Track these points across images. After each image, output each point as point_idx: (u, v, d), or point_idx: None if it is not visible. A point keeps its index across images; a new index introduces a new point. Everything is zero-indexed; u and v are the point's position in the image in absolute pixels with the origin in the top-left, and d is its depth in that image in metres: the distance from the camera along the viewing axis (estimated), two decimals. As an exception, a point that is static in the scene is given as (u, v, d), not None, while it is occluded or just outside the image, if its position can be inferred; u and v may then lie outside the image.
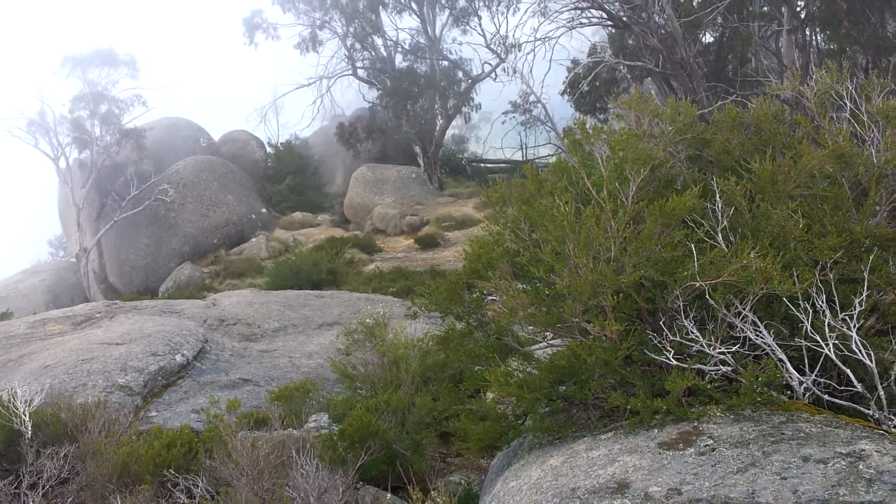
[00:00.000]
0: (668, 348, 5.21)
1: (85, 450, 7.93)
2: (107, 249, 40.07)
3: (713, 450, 4.60)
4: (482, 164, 48.21)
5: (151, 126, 41.89)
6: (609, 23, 24.57)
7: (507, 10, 39.62)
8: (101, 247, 40.07)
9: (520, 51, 33.92)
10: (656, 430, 5.11)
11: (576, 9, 23.37)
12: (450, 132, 46.03)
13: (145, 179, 38.49)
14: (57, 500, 7.57)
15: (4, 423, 8.13)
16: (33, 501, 7.25)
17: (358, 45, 43.51)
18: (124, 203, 37.80)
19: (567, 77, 28.90)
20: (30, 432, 8.13)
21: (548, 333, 6.51)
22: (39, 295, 37.59)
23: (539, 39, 25.03)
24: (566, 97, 29.69)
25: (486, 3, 41.54)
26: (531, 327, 6.51)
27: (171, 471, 7.32)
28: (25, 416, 8.19)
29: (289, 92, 48.09)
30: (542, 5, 25.93)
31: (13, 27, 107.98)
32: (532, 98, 43.76)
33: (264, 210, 41.20)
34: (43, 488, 7.49)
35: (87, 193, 39.27)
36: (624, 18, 23.75)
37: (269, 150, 49.08)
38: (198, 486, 7.05)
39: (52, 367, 11.85)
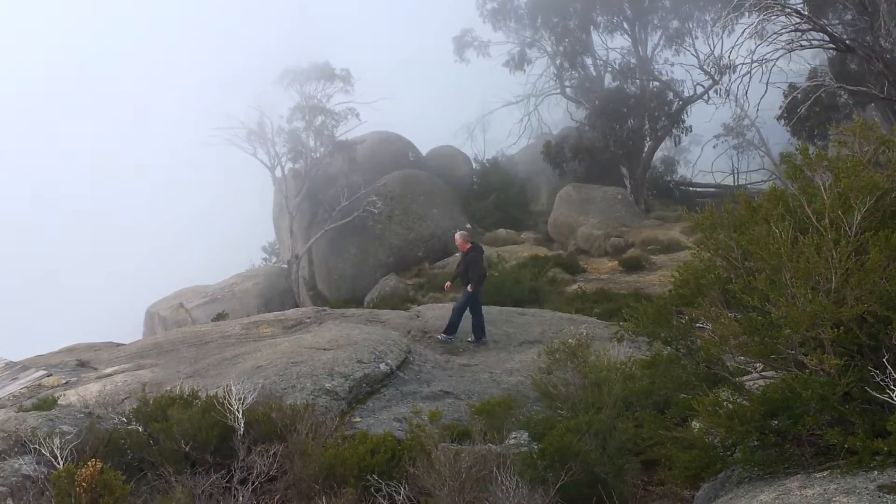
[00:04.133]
0: (892, 387, 4.95)
1: (293, 449, 8.20)
2: (316, 257, 41.57)
3: (939, 498, 4.35)
4: (691, 188, 47.10)
5: (363, 139, 43.16)
6: (831, 46, 23.51)
7: (723, 31, 38.40)
8: (311, 254, 41.60)
9: (734, 73, 32.91)
10: (876, 472, 4.86)
11: (796, 31, 22.52)
12: (658, 154, 45.15)
13: (355, 191, 39.71)
14: (265, 497, 7.85)
15: (219, 420, 8.53)
16: (243, 496, 7.52)
17: (567, 64, 43.49)
18: (334, 213, 39.14)
19: (784, 101, 27.88)
20: (242, 429, 8.49)
21: (759, 364, 6.30)
22: (252, 298, 39.31)
23: (755, 61, 24.26)
24: (782, 122, 28.70)
25: (700, 24, 40.60)
26: (741, 357, 6.33)
27: (375, 476, 7.49)
28: (239, 413, 8.57)
29: (496, 109, 48.70)
30: (759, 27, 25.12)
31: (236, 39, 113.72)
32: (746, 122, 42.61)
33: (468, 225, 41.63)
34: (252, 484, 7.79)
35: (300, 202, 40.91)
36: (847, 41, 22.67)
37: (475, 166, 49.69)
38: (399, 494, 7.18)
39: (264, 368, 12.39)
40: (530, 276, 26.32)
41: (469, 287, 15.69)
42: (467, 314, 15.79)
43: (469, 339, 15.81)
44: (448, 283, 16.78)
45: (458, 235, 16.56)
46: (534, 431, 8.91)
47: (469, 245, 16.21)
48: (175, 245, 73.63)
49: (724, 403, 5.97)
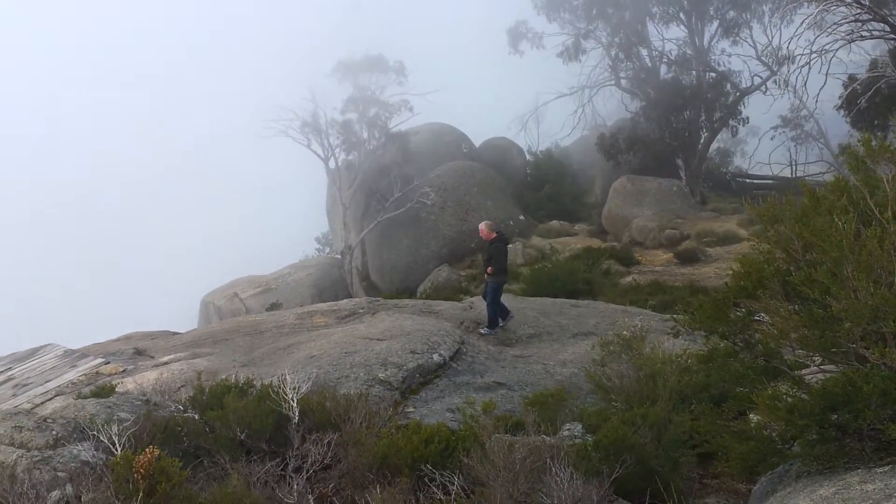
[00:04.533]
0: (956, 381, 4.85)
1: (347, 439, 8.23)
2: (369, 248, 41.75)
3: None
4: (747, 180, 46.53)
5: (416, 131, 43.29)
6: (892, 36, 23.13)
7: (781, 22, 37.85)
8: (364, 245, 41.80)
9: (793, 63, 32.45)
10: (938, 468, 4.77)
11: (856, 21, 22.17)
12: (714, 146, 44.68)
13: (408, 182, 39.83)
14: (319, 485, 7.86)
15: (274, 408, 8.60)
16: (297, 484, 7.54)
17: (622, 56, 43.14)
18: (388, 204, 39.31)
19: (844, 92, 27.42)
20: (297, 418, 8.54)
21: (818, 358, 6.21)
22: (306, 288, 39.60)
23: (814, 52, 23.95)
24: (842, 113, 28.22)
25: (758, 15, 40.03)
26: (801, 350, 6.24)
27: (429, 466, 7.51)
28: (293, 402, 8.63)
29: (550, 101, 48.44)
30: (818, 17, 24.72)
31: (291, 30, 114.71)
32: (804, 113, 41.93)
33: (521, 217, 41.61)
34: (307, 472, 7.81)
35: (353, 194, 41.12)
36: (909, 32, 22.28)
37: (528, 157, 49.52)
38: (454, 484, 7.19)
39: (318, 358, 12.48)
40: (584, 268, 26.20)
41: (488, 276, 15.81)
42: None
43: (481, 331, 15.84)
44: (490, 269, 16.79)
45: (482, 225, 16.59)
46: (588, 423, 8.87)
47: (494, 235, 16.22)
48: (230, 235, 74.47)
49: (784, 397, 5.89)
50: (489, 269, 15.86)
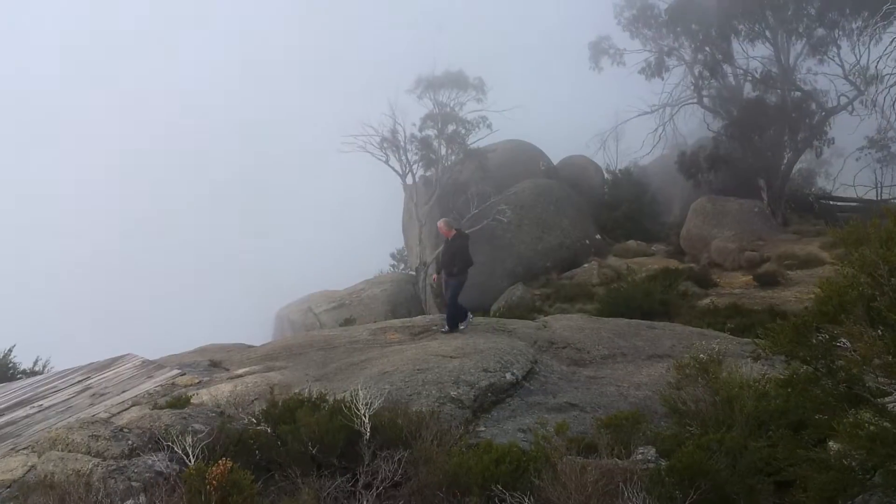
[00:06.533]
0: None
1: (418, 456, 8.19)
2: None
3: None
4: (831, 202, 45.49)
5: (494, 148, 43.32)
6: None
7: (870, 40, 37.09)
8: (438, 262, 41.71)
9: (881, 83, 31.81)
10: None
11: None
12: (797, 166, 43.77)
13: (485, 199, 39.82)
14: (389, 502, 7.84)
15: (346, 423, 8.60)
16: (367, 501, 7.54)
17: (706, 73, 42.63)
18: (464, 221, 39.29)
19: (933, 114, 26.70)
20: (368, 434, 8.53)
21: (903, 386, 6.01)
22: (380, 304, 39.79)
23: (904, 71, 23.37)
24: (930, 135, 27.50)
25: (847, 32, 39.11)
26: (884, 378, 6.04)
27: (499, 486, 7.42)
28: (365, 418, 8.62)
29: (630, 118, 48.15)
30: (910, 35, 24.12)
31: (370, 45, 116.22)
32: (891, 134, 40.93)
33: (598, 236, 41.34)
34: (377, 489, 7.79)
35: (429, 210, 41.21)
36: None
37: (606, 176, 49.25)
38: (524, 504, 7.11)
39: (390, 374, 12.48)
40: (660, 289, 25.89)
41: (445, 275, 16.32)
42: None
43: (442, 330, 16.25)
44: (434, 275, 16.89)
45: (441, 222, 16.85)
46: (662, 448, 8.70)
47: (454, 232, 16.25)
48: (305, 249, 75.13)
49: (866, 425, 5.70)
50: (454, 268, 16.21)
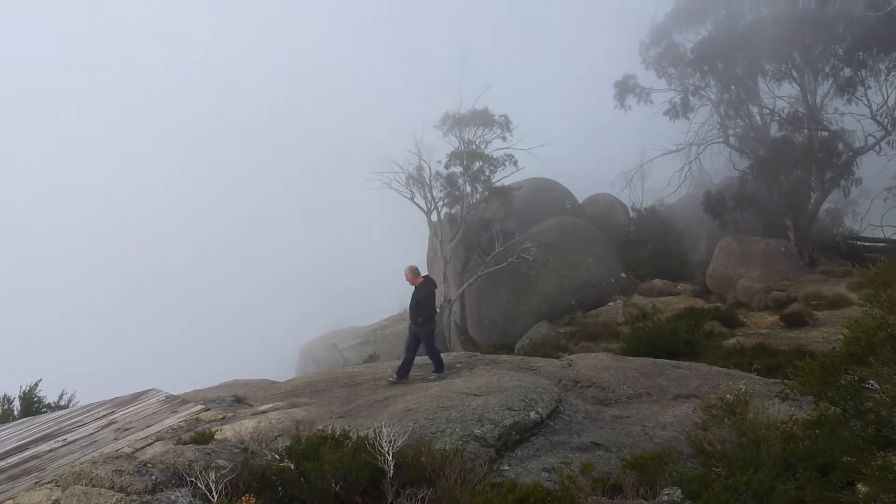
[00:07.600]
0: None
1: (441, 495, 8.15)
2: (468, 302, 41.64)
3: None
4: (858, 242, 45.17)
5: (519, 185, 43.28)
6: None
7: (898, 80, 36.98)
8: (463, 299, 41.73)
9: (909, 124, 31.64)
10: None
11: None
12: (825, 206, 43.52)
13: (510, 237, 39.73)
14: (412, 540, 7.82)
15: (369, 461, 8.57)
16: (391, 538, 7.52)
17: (732, 112, 42.60)
18: (488, 258, 39.31)
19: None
20: (392, 472, 8.49)
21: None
22: (403, 341, 39.65)
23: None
24: (957, 175, 27.33)
25: (874, 72, 38.96)
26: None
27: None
28: (389, 455, 8.58)
29: (656, 157, 48.10)
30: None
31: (394, 82, 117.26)
32: (919, 175, 40.68)
33: (623, 274, 41.19)
34: (400, 527, 7.78)
35: (454, 247, 41.20)
36: None
37: (632, 214, 49.16)
38: (547, 545, 7.05)
39: (414, 412, 12.43)
40: (686, 328, 25.69)
41: (415, 324, 16.36)
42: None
43: (432, 377, 16.15)
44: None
45: (406, 270, 16.54)
46: (688, 489, 8.61)
47: (420, 280, 16.11)
48: (329, 284, 75.29)
49: (894, 468, 5.62)
50: (419, 318, 16.27)
